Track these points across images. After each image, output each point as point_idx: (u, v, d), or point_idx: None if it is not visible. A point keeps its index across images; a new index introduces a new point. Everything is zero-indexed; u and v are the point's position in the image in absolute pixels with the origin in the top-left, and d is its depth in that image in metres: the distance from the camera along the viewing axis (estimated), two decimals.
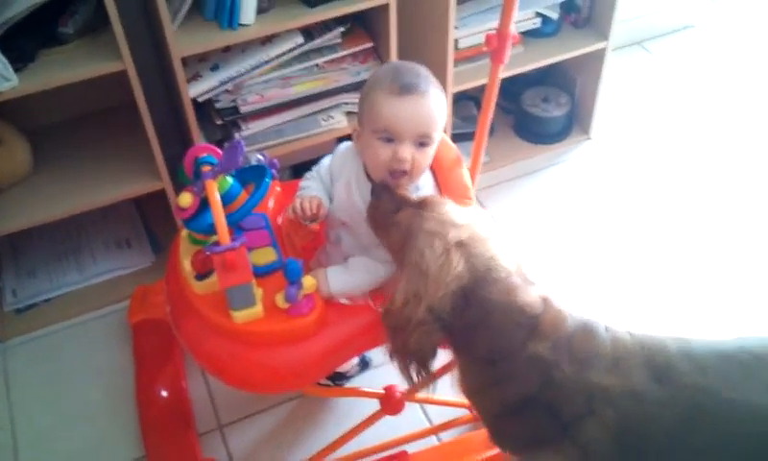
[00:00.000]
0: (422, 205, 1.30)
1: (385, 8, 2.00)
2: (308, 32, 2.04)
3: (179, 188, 1.38)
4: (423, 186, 1.46)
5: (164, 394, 1.91)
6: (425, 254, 1.21)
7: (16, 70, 1.75)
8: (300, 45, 2.02)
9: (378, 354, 1.94)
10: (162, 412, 1.88)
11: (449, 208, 1.29)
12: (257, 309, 1.31)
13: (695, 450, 1.16)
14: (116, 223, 2.34)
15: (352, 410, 1.82)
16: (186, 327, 1.41)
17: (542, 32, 2.41)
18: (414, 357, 1.25)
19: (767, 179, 2.50)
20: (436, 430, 1.82)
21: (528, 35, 2.39)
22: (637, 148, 2.65)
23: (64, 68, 1.80)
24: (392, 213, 1.32)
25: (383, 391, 1.66)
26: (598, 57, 2.46)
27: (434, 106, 1.38)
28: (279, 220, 1.59)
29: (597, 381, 1.18)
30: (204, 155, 1.39)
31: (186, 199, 1.33)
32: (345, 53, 2.10)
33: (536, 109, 2.60)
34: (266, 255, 1.40)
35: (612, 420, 1.18)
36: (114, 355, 2.04)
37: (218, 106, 2.03)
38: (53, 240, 2.29)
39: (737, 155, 2.60)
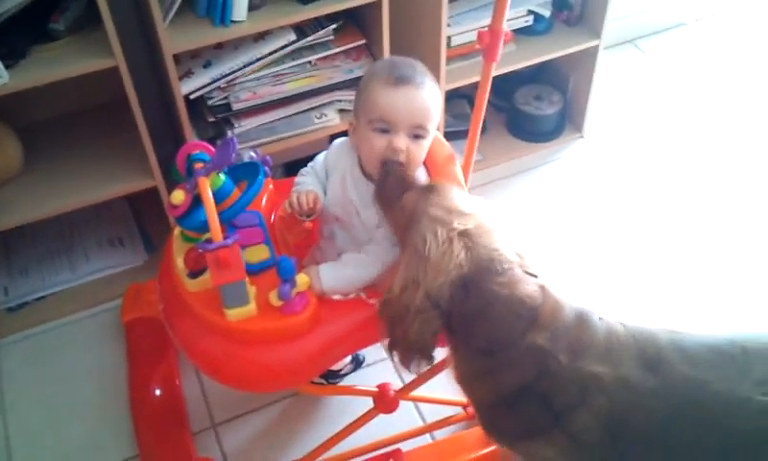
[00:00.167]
0: (430, 189, 1.30)
1: (377, 5, 1.99)
2: (300, 29, 2.03)
3: (171, 186, 1.38)
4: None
5: (158, 392, 1.90)
6: (427, 240, 1.20)
7: (7, 67, 1.74)
8: (293, 42, 2.01)
9: (371, 352, 1.96)
10: (156, 411, 1.88)
11: (457, 196, 1.28)
12: (251, 307, 1.31)
13: (682, 441, 1.17)
14: (109, 221, 2.33)
15: (346, 408, 1.82)
16: (180, 325, 1.41)
17: (535, 29, 2.41)
18: (415, 347, 1.25)
19: (760, 175, 2.51)
20: (430, 428, 1.82)
21: (520, 32, 2.39)
22: (630, 146, 2.66)
23: (56, 65, 1.79)
24: (398, 194, 1.32)
25: (376, 389, 1.66)
26: (591, 55, 2.46)
27: (429, 98, 1.40)
28: (273, 217, 1.59)
29: (590, 370, 1.19)
30: (197, 152, 1.39)
31: (179, 196, 1.32)
32: (337, 50, 2.10)
33: (528, 107, 2.60)
34: (259, 253, 1.40)
35: (603, 409, 1.18)
36: (107, 354, 2.03)
37: (210, 103, 2.02)
38: (45, 238, 2.28)
39: (730, 152, 2.61)
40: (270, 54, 2.00)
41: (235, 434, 1.86)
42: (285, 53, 2.03)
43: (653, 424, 1.17)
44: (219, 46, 1.99)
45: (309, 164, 1.57)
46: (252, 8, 1.91)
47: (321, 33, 2.05)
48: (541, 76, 2.68)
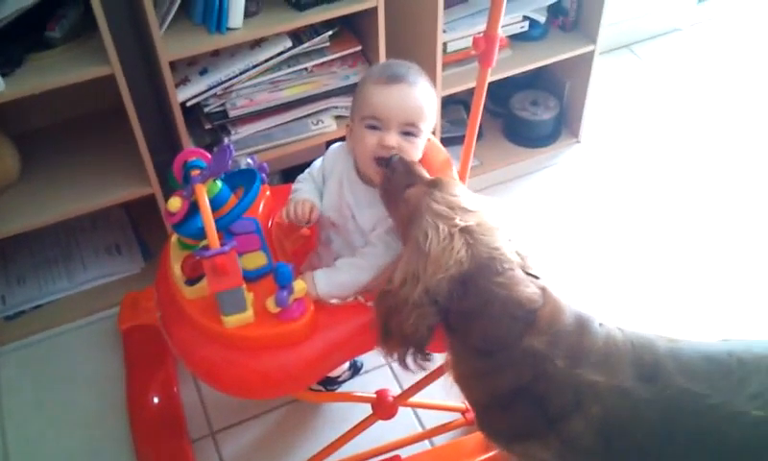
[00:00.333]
0: (434, 184, 1.30)
1: (373, 11, 2.00)
2: (297, 35, 2.04)
3: (168, 193, 1.37)
4: None
5: (156, 400, 1.90)
6: (429, 235, 1.20)
7: (3, 75, 1.74)
8: (289, 49, 2.02)
9: (370, 359, 1.96)
10: (154, 418, 1.87)
11: (461, 192, 1.28)
12: (248, 314, 1.31)
13: (676, 452, 1.17)
14: (106, 229, 2.33)
15: (345, 415, 1.82)
16: (177, 332, 1.40)
17: (530, 35, 2.41)
18: (410, 341, 1.24)
19: (756, 179, 2.51)
20: (429, 435, 1.82)
21: (516, 38, 2.40)
22: (627, 151, 2.66)
23: (52, 73, 1.79)
24: (403, 188, 1.32)
25: (375, 395, 1.66)
26: (586, 60, 2.46)
27: (421, 96, 1.41)
28: (270, 223, 1.59)
29: (587, 376, 1.18)
30: (194, 159, 1.38)
31: (176, 203, 1.32)
32: (333, 56, 2.10)
33: (525, 112, 2.61)
34: (256, 260, 1.39)
35: (598, 415, 1.18)
36: (105, 362, 2.02)
37: (207, 110, 2.02)
38: (42, 247, 2.27)
39: (727, 156, 2.62)
40: (266, 61, 2.00)
41: (234, 442, 1.85)
42: (281, 60, 2.03)
43: (647, 434, 1.17)
44: (215, 53, 1.99)
45: (306, 171, 1.58)
46: (248, 15, 1.91)
47: (317, 39, 2.05)
48: (538, 81, 2.69)
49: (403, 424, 1.83)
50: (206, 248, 1.24)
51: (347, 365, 1.90)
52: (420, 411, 1.88)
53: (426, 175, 1.36)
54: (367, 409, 1.66)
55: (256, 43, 2.00)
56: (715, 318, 2.08)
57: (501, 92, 2.60)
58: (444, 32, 2.16)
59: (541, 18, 2.39)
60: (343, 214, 1.48)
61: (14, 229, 1.95)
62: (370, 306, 1.38)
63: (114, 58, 1.78)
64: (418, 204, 1.26)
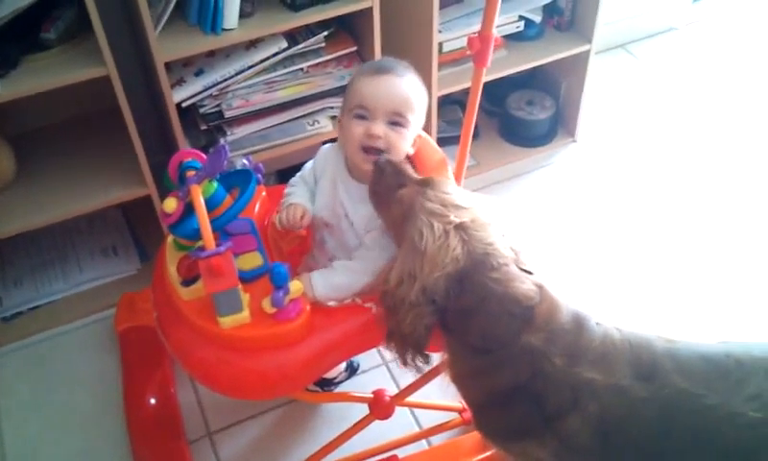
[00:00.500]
0: (426, 183, 1.30)
1: (368, 11, 2.00)
2: (292, 36, 2.04)
3: (164, 194, 1.38)
4: None
5: (153, 401, 1.90)
6: (424, 234, 1.21)
7: None
8: (284, 50, 2.01)
9: (366, 359, 1.96)
10: (151, 420, 1.87)
11: (453, 189, 1.29)
12: (244, 314, 1.31)
13: (673, 450, 1.17)
14: (102, 230, 2.33)
15: (342, 416, 1.82)
16: (174, 333, 1.40)
17: (526, 35, 2.42)
18: (408, 340, 1.24)
19: (753, 179, 2.52)
20: (426, 434, 1.82)
21: (511, 38, 2.40)
22: (623, 150, 2.66)
23: (47, 74, 1.79)
24: (394, 189, 1.32)
25: (372, 395, 1.66)
26: (582, 60, 2.47)
27: (408, 87, 1.43)
28: (267, 222, 1.59)
29: (584, 375, 1.18)
30: (189, 159, 1.39)
31: (171, 204, 1.32)
32: (329, 57, 2.10)
33: (521, 112, 2.61)
34: (252, 260, 1.40)
35: (595, 414, 1.18)
36: (102, 363, 2.02)
37: (203, 111, 2.02)
38: (39, 248, 2.27)
39: (723, 155, 2.62)
40: (262, 61, 2.00)
41: (231, 442, 1.85)
42: (277, 60, 2.03)
43: (644, 432, 1.17)
44: (211, 54, 1.99)
45: (298, 174, 1.59)
46: (243, 16, 1.91)
47: (312, 40, 2.05)
48: (534, 81, 2.69)
49: (400, 423, 1.83)
50: (202, 249, 1.24)
51: (343, 366, 1.90)
52: (417, 411, 1.88)
53: (416, 174, 1.36)
54: (364, 409, 1.66)
55: (252, 44, 2.00)
56: (712, 318, 2.08)
57: (497, 92, 2.60)
58: (440, 32, 2.16)
59: (537, 18, 2.39)
60: (336, 213, 1.49)
61: (11, 230, 1.94)
62: (366, 307, 1.39)
63: (109, 59, 1.78)
64: (411, 203, 1.26)
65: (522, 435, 1.26)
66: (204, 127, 2.05)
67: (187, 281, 1.37)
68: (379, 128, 1.40)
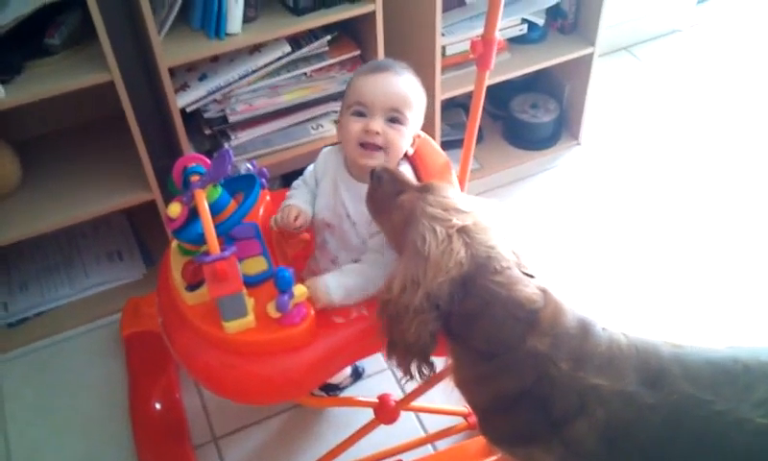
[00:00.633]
0: (426, 189, 1.29)
1: (371, 16, 2.00)
2: (295, 40, 2.04)
3: (169, 199, 1.37)
4: None
5: (158, 406, 1.90)
6: (427, 238, 1.20)
7: (3, 82, 1.75)
8: (288, 54, 2.02)
9: (371, 363, 1.96)
10: (156, 425, 1.87)
11: (453, 194, 1.28)
12: (249, 319, 1.30)
13: (677, 456, 1.16)
14: (108, 235, 2.33)
15: (347, 420, 1.82)
16: (179, 338, 1.40)
17: (529, 38, 2.42)
18: (413, 349, 1.23)
19: (757, 181, 2.51)
20: (431, 439, 1.81)
21: (515, 41, 2.40)
22: (627, 153, 2.66)
23: (52, 80, 1.79)
24: (393, 196, 1.32)
25: (377, 400, 1.66)
26: (585, 62, 2.46)
27: (406, 85, 1.44)
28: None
29: (590, 380, 1.17)
30: (193, 164, 1.39)
31: (175, 209, 1.32)
32: (332, 61, 2.10)
33: (525, 115, 2.61)
34: (257, 265, 1.39)
35: (602, 419, 1.17)
36: (107, 368, 2.03)
37: (206, 115, 2.03)
38: (44, 254, 2.28)
39: (727, 157, 2.61)
40: (265, 66, 2.01)
41: (237, 447, 1.85)
42: (280, 65, 2.03)
43: (651, 438, 1.16)
44: (214, 59, 1.99)
45: (299, 178, 1.59)
46: (246, 20, 1.92)
47: (315, 44, 2.05)
48: (537, 84, 2.69)
49: (406, 428, 1.83)
50: (207, 253, 1.24)
51: (348, 371, 1.90)
52: (422, 415, 1.88)
53: (413, 181, 1.36)
54: (369, 414, 1.66)
55: (255, 48, 2.00)
56: (719, 323, 2.07)
57: (501, 95, 2.60)
58: (443, 35, 2.16)
59: (540, 21, 2.39)
60: (338, 213, 1.49)
61: (16, 235, 1.95)
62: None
63: (114, 64, 1.78)
64: (412, 208, 1.26)
65: (528, 440, 1.25)
66: (208, 131, 2.05)
67: (192, 286, 1.36)
68: (377, 124, 1.41)
